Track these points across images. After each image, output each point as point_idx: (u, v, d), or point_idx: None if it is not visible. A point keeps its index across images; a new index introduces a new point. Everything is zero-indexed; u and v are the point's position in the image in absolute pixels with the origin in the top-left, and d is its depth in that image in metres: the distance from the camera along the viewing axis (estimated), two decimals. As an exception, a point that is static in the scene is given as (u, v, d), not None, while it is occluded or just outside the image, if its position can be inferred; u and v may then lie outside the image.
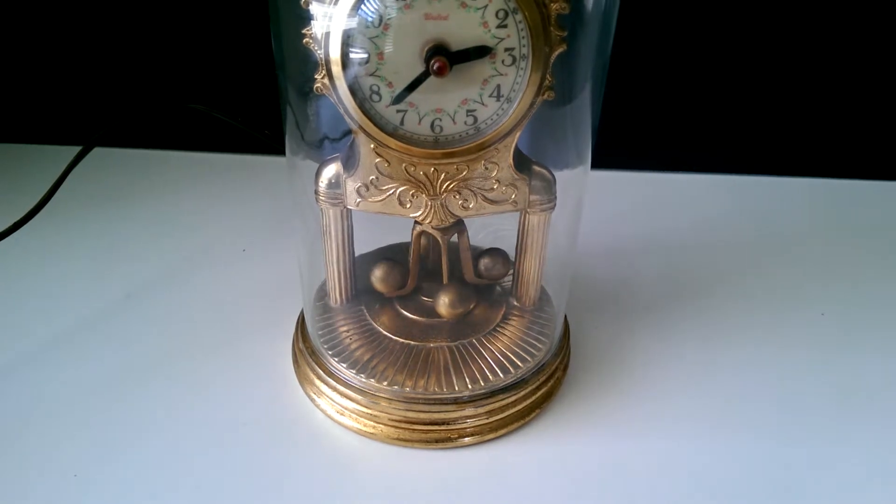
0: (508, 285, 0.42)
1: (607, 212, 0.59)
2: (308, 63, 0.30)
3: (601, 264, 0.52)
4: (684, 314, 0.47)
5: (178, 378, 0.40)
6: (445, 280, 0.39)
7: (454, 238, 0.38)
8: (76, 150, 0.47)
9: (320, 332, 0.40)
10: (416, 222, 0.37)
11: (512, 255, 0.40)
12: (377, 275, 0.40)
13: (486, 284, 0.42)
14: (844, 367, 0.43)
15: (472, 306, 0.40)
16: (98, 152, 0.49)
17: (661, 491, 0.35)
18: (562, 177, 0.36)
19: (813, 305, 0.49)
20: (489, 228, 0.43)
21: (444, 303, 0.39)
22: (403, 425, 0.36)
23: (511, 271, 0.41)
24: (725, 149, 0.68)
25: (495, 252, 0.41)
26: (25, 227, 0.46)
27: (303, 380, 0.40)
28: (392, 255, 0.43)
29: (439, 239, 0.37)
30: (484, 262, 0.41)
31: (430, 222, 0.35)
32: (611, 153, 0.58)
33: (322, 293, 0.42)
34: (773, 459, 0.36)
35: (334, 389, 0.38)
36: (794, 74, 0.64)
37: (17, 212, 0.46)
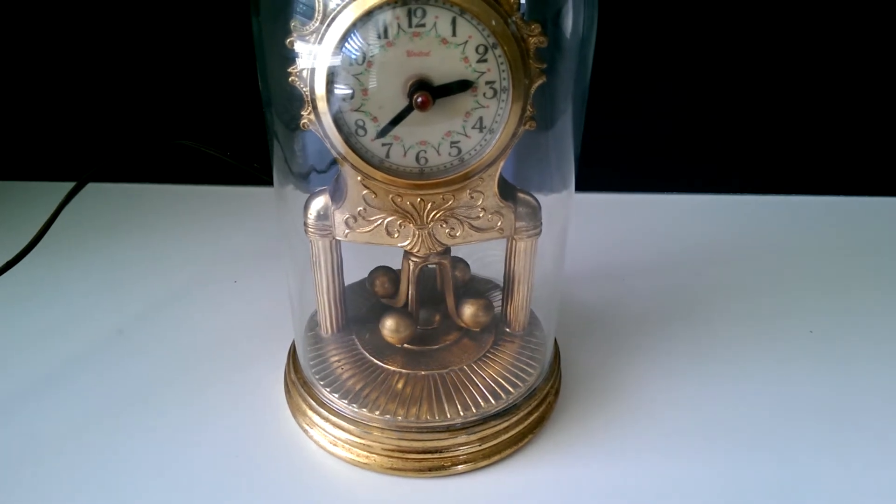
0: (498, 310, 0.43)
1: (593, 234, 0.60)
2: (294, 100, 0.31)
3: (589, 287, 0.53)
4: (673, 334, 0.48)
5: (170, 411, 0.40)
6: (453, 309, 0.40)
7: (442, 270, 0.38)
8: (69, 185, 0.48)
9: (312, 363, 0.40)
10: (406, 255, 0.37)
11: (499, 282, 0.41)
12: (377, 280, 0.42)
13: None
14: (834, 384, 0.43)
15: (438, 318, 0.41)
16: (91, 188, 0.49)
17: (655, 514, 0.35)
18: (547, 201, 0.37)
19: (801, 323, 0.49)
20: (476, 255, 0.44)
21: (468, 313, 0.40)
22: (396, 454, 0.36)
23: (493, 316, 0.41)
24: (710, 168, 0.69)
25: (477, 303, 0.40)
26: (21, 262, 0.46)
27: (295, 411, 0.40)
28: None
29: (410, 268, 0.38)
30: (467, 312, 0.40)
31: (419, 251, 0.35)
32: (595, 175, 0.59)
33: (313, 323, 0.42)
34: (766, 477, 0.36)
35: (327, 420, 0.38)
36: (779, 94, 0.65)
37: (13, 247, 0.46)
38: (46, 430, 0.39)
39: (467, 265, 0.44)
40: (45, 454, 0.37)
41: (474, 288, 0.45)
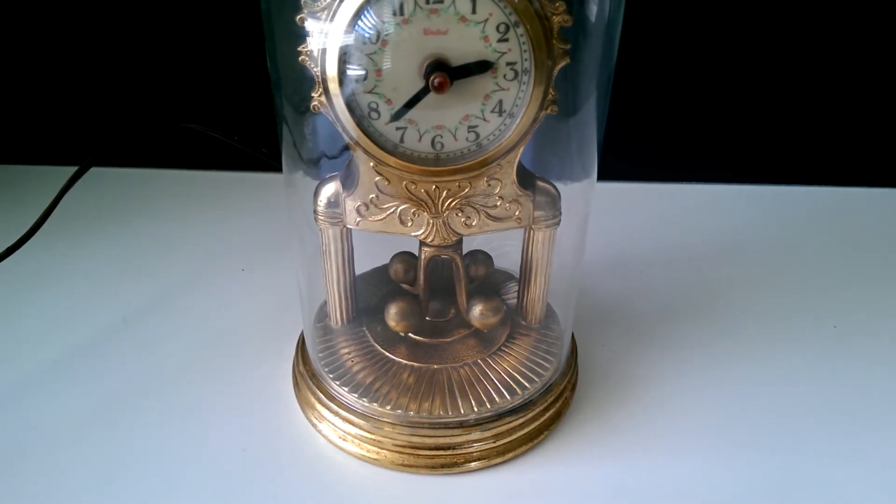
0: (514, 303, 0.41)
1: (613, 224, 0.58)
2: (304, 81, 0.30)
3: (607, 279, 0.51)
4: (693, 329, 0.46)
5: (176, 403, 0.40)
6: (464, 306, 0.38)
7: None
8: (72, 170, 0.47)
9: (321, 355, 0.39)
10: (421, 244, 0.36)
11: (515, 273, 0.39)
12: (393, 315, 0.38)
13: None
14: (857, 381, 0.42)
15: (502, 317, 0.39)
16: (94, 172, 0.48)
17: (676, 515, 0.33)
18: (567, 190, 0.35)
19: (825, 318, 0.47)
20: (493, 244, 0.42)
21: (476, 314, 0.38)
22: (408, 451, 0.35)
23: (502, 315, 0.39)
24: (733, 159, 0.67)
25: (489, 299, 0.38)
26: (22, 248, 0.45)
27: (304, 404, 0.39)
28: (385, 280, 0.42)
29: (457, 260, 0.36)
30: (476, 311, 0.38)
31: (433, 240, 0.34)
32: (617, 164, 0.57)
33: (322, 314, 0.41)
34: (787, 476, 0.35)
35: (336, 414, 0.37)
36: (801, 83, 0.63)
37: (14, 233, 0.45)
38: (47, 423, 0.38)
39: (490, 259, 0.42)
40: (46, 447, 0.37)
41: (491, 280, 0.44)
